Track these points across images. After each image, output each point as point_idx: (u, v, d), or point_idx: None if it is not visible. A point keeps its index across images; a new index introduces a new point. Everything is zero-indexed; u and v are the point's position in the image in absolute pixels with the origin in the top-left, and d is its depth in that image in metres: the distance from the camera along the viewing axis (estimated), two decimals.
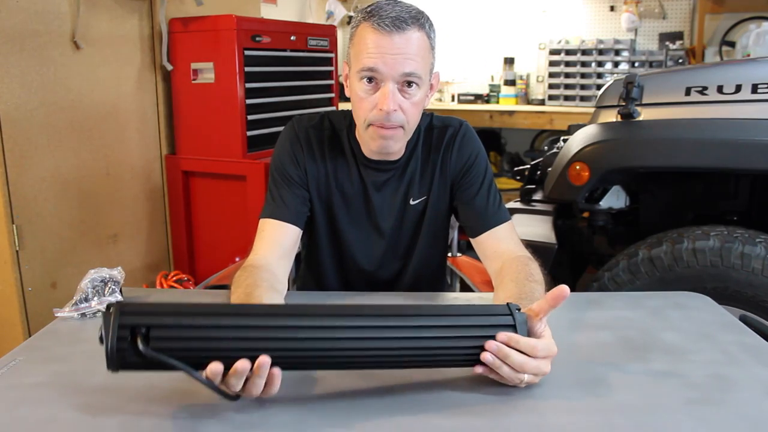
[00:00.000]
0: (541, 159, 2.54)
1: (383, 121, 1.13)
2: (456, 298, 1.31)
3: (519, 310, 0.87)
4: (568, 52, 4.57)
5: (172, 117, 2.59)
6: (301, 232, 1.25)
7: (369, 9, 1.12)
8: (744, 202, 2.09)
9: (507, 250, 1.20)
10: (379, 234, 1.31)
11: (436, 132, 1.30)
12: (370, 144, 1.19)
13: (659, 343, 1.04)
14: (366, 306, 0.85)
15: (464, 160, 1.28)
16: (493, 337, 0.84)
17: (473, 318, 0.86)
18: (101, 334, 0.77)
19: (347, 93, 1.20)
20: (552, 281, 1.08)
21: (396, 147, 1.19)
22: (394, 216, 1.30)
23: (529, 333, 0.86)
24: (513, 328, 0.85)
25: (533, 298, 0.99)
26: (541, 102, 4.74)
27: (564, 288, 0.86)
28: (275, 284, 1.10)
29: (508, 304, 0.88)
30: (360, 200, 1.29)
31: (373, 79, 1.12)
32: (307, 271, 1.44)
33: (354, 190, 1.29)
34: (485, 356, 0.84)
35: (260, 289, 1.04)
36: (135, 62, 2.44)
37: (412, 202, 1.30)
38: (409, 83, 1.12)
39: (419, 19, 1.12)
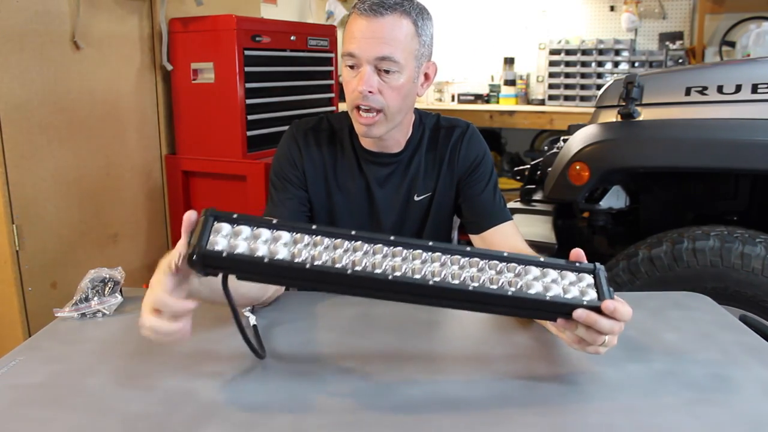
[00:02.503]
0: (541, 159, 2.54)
1: (361, 102, 1.15)
2: None
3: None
4: (568, 52, 4.57)
5: (172, 117, 2.59)
6: None
7: None
8: (744, 202, 2.09)
9: (515, 245, 1.23)
10: (378, 229, 1.31)
11: (443, 132, 1.32)
12: (356, 127, 1.22)
13: (659, 343, 1.04)
14: (455, 247, 0.84)
15: (472, 158, 1.30)
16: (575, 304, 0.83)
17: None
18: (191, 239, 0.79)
19: None
20: None
21: (378, 132, 1.20)
22: (396, 212, 1.31)
23: None
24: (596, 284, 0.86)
25: None
26: (541, 102, 4.74)
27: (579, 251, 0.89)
28: None
29: (595, 264, 0.88)
30: (362, 196, 1.30)
31: (353, 63, 1.15)
32: None
33: (356, 187, 1.30)
34: (579, 313, 0.82)
35: None
36: (135, 62, 2.44)
37: (416, 198, 1.31)
38: (386, 67, 1.14)
39: (403, 5, 1.14)
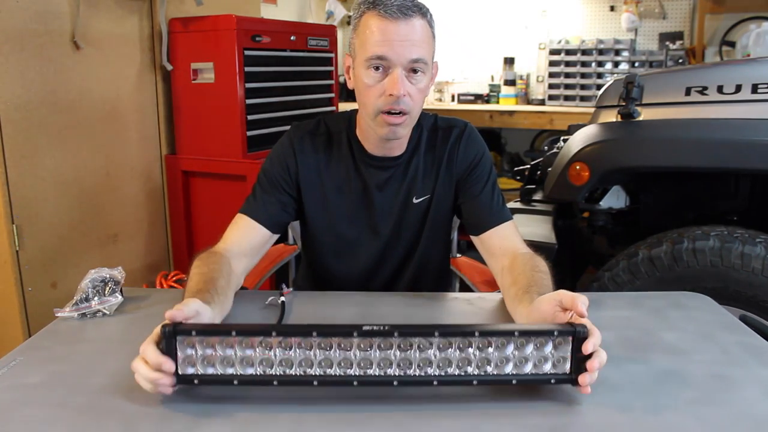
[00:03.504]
0: (541, 159, 2.54)
1: (392, 106, 1.13)
2: (456, 298, 1.31)
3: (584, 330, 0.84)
4: (568, 52, 4.57)
5: (172, 117, 2.59)
6: (274, 237, 1.26)
7: None
8: (744, 202, 2.09)
9: (513, 247, 1.21)
10: (375, 232, 1.31)
11: (441, 132, 1.31)
12: (378, 131, 1.18)
13: (659, 343, 1.04)
14: (431, 326, 0.83)
15: (471, 158, 1.29)
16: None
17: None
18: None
19: (350, 85, 1.21)
20: (553, 281, 1.09)
21: (403, 133, 1.20)
22: (394, 215, 1.31)
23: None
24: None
25: (541, 285, 1.04)
26: (541, 102, 4.74)
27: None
28: (231, 279, 1.12)
29: (575, 327, 0.84)
30: (360, 200, 1.30)
31: (381, 66, 1.13)
32: (306, 270, 1.45)
33: (353, 190, 1.29)
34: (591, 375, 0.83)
35: (221, 280, 1.06)
36: (135, 62, 2.44)
37: (415, 201, 1.30)
38: (416, 69, 1.13)
39: (421, 8, 1.14)
